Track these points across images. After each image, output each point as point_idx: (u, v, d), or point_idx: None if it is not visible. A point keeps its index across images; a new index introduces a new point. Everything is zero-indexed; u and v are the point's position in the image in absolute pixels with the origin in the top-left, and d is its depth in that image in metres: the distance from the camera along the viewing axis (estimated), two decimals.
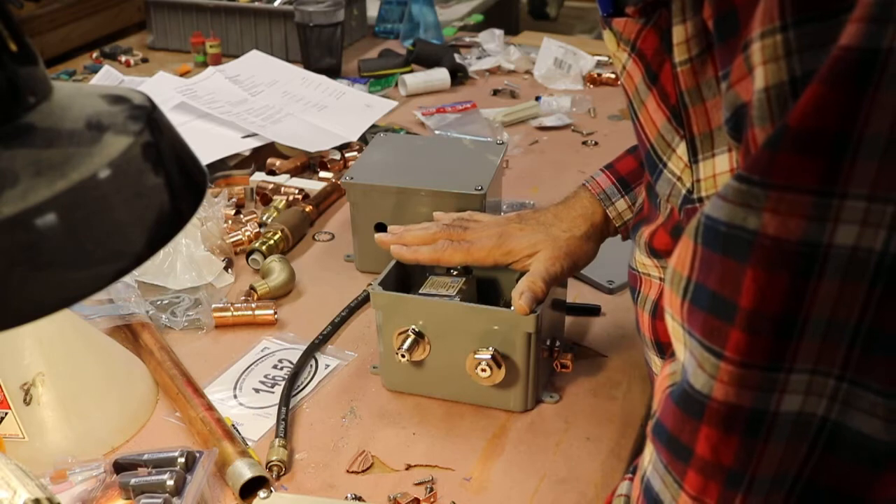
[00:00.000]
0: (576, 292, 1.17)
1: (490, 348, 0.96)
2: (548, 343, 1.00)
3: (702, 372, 0.53)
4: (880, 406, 0.50)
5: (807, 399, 0.51)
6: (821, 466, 0.52)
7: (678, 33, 0.63)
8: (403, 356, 0.98)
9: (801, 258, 0.47)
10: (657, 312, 0.80)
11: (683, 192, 0.70)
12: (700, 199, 0.67)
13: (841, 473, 0.52)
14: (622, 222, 1.03)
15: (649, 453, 0.59)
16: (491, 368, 0.96)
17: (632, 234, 0.86)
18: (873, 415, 0.51)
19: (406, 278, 1.06)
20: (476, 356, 0.96)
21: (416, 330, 0.98)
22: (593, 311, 1.17)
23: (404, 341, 0.98)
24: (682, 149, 0.68)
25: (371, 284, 1.00)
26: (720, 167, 0.65)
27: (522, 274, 1.03)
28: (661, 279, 0.79)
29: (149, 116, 0.40)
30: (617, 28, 0.73)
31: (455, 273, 1.06)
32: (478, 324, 0.96)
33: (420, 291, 1.02)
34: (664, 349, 0.80)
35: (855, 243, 0.46)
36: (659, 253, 0.79)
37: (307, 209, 1.39)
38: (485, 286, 1.08)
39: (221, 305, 1.16)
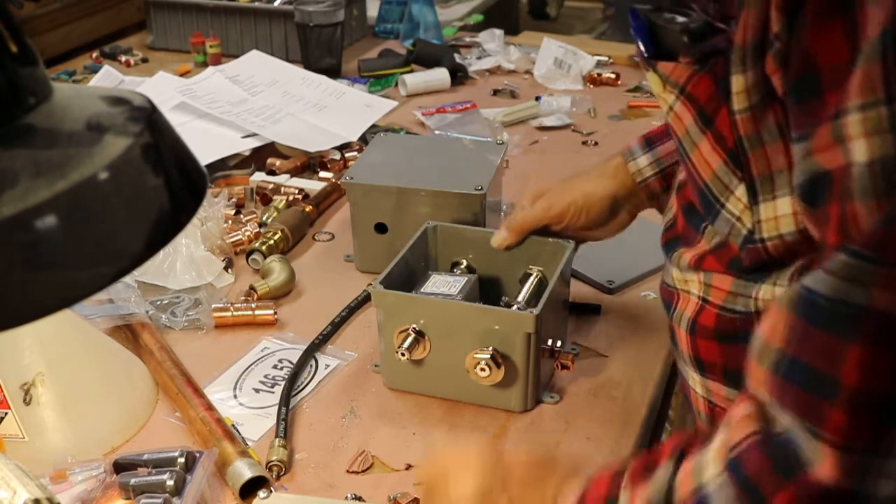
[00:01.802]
0: (576, 292, 1.17)
1: (489, 348, 0.96)
2: (549, 343, 1.00)
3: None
4: None
5: None
6: None
7: (737, 83, 0.63)
8: (403, 355, 0.98)
9: None
10: (696, 330, 0.79)
11: (744, 232, 0.70)
12: (762, 240, 0.68)
13: None
14: (642, 178, 1.03)
15: (716, 474, 0.56)
16: (490, 368, 0.96)
17: (665, 251, 0.85)
18: None
19: (408, 276, 1.06)
20: (475, 355, 0.96)
21: (417, 329, 0.98)
22: (593, 310, 1.17)
23: (405, 340, 0.98)
24: (741, 190, 0.69)
25: (372, 284, 1.00)
26: (782, 209, 0.66)
27: (526, 275, 1.07)
28: (700, 297, 0.79)
29: (149, 118, 0.40)
30: (663, 71, 0.73)
31: (458, 272, 1.06)
32: (478, 323, 0.96)
33: (421, 290, 1.02)
34: (704, 367, 0.80)
35: None
36: (709, 272, 0.78)
37: (307, 209, 1.39)
38: (487, 286, 1.08)
39: (221, 305, 1.16)
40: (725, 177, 0.70)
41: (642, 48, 0.75)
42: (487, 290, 1.08)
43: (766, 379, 0.54)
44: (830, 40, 0.51)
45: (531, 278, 1.06)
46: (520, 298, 1.02)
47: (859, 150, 0.48)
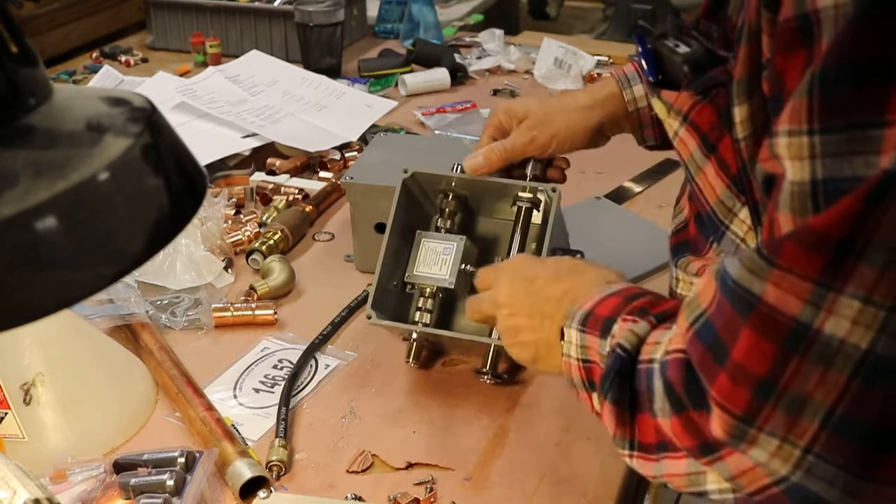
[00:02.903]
0: (556, 260, 1.15)
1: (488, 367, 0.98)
2: None
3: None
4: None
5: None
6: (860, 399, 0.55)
7: (740, 113, 0.65)
8: (415, 364, 1.02)
9: (791, 333, 0.54)
10: None
11: None
12: None
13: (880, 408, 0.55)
14: (635, 107, 1.03)
15: (658, 360, 0.66)
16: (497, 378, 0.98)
17: (672, 253, 0.86)
18: None
19: (403, 244, 1.06)
20: (477, 374, 1.00)
21: (417, 338, 1.00)
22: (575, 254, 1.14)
23: (410, 349, 1.01)
24: (744, 213, 0.71)
25: (370, 317, 1.01)
26: None
27: (517, 216, 1.05)
28: None
29: (148, 118, 0.40)
30: (667, 99, 0.76)
31: (445, 230, 1.06)
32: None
33: (412, 273, 1.02)
34: None
35: (843, 337, 0.53)
36: None
37: (307, 209, 1.39)
38: (483, 243, 1.09)
39: (221, 305, 1.16)
40: (729, 201, 0.73)
41: (648, 76, 0.78)
42: (480, 238, 1.09)
43: (684, 329, 0.62)
44: (794, 68, 0.56)
45: (518, 226, 1.04)
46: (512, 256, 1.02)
47: (788, 169, 0.55)
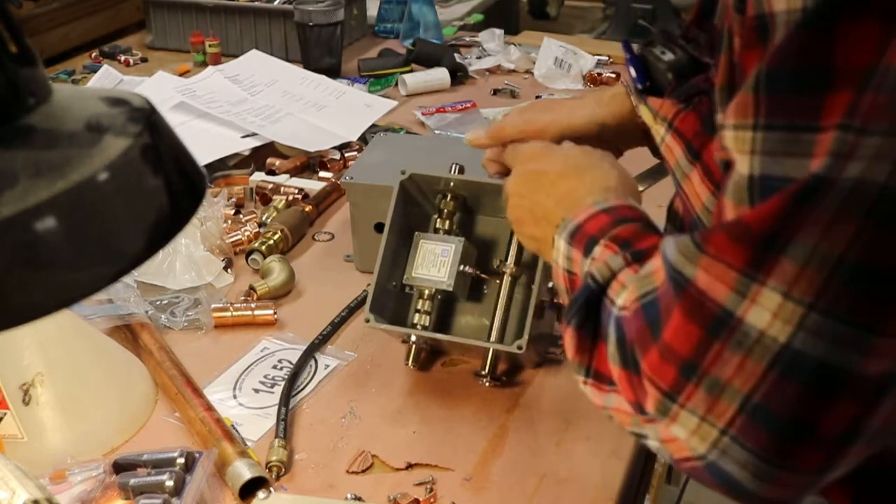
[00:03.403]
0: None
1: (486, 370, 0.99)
2: (545, 300, 1.01)
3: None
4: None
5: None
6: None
7: (721, 120, 0.66)
8: (414, 367, 1.02)
9: (715, 318, 0.56)
10: None
11: None
12: None
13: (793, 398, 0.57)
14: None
15: (620, 306, 0.68)
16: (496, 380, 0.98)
17: None
18: None
19: (401, 248, 1.07)
20: (476, 376, 1.00)
21: (416, 341, 1.01)
22: None
23: (409, 351, 1.01)
24: None
25: (368, 321, 1.01)
26: None
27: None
28: None
29: (148, 119, 0.40)
30: (653, 106, 0.77)
31: (444, 231, 1.05)
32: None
33: (410, 275, 1.02)
34: None
35: (763, 329, 0.55)
36: None
37: (307, 209, 1.39)
38: (483, 243, 1.09)
39: (221, 305, 1.16)
40: (714, 207, 0.72)
41: (636, 82, 0.79)
42: (479, 238, 1.09)
43: (631, 301, 0.65)
44: (752, 62, 0.57)
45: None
46: (509, 262, 1.02)
47: (736, 161, 0.57)
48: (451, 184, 1.06)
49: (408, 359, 1.02)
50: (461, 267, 1.02)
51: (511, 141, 1.01)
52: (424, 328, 1.01)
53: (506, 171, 1.04)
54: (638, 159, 1.13)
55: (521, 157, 0.91)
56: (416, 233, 1.05)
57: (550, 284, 0.97)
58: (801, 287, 0.54)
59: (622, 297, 0.68)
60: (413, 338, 1.01)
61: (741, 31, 0.60)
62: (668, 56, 0.77)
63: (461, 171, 1.05)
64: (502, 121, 1.02)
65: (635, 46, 0.80)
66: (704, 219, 0.75)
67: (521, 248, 1.03)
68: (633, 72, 0.79)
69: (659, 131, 0.78)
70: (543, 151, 0.90)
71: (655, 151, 1.02)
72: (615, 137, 0.99)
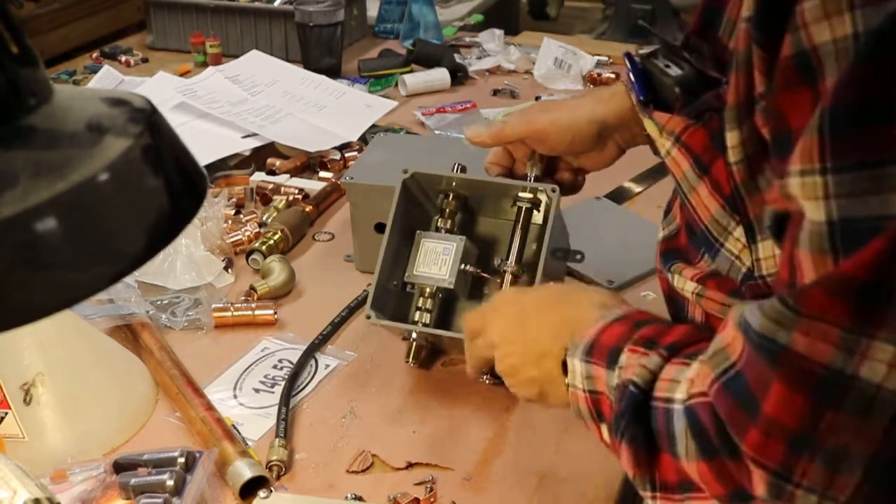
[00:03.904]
0: (546, 286, 1.16)
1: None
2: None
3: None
4: None
5: None
6: None
7: (732, 138, 0.65)
8: (414, 364, 1.02)
9: (824, 382, 0.52)
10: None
11: (744, 269, 0.72)
12: (762, 277, 0.69)
13: None
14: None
15: (681, 400, 0.64)
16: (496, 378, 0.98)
17: (662, 259, 0.85)
18: None
19: (402, 248, 1.07)
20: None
21: (417, 338, 1.01)
22: (576, 254, 1.14)
23: (409, 349, 1.01)
24: (738, 232, 0.71)
25: (370, 317, 1.01)
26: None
27: (517, 215, 1.04)
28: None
29: (149, 119, 0.40)
30: (659, 121, 0.75)
31: (446, 230, 1.06)
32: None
33: (411, 273, 1.02)
34: None
35: (880, 382, 0.51)
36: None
37: (307, 209, 1.39)
38: (483, 243, 1.09)
39: (221, 305, 1.16)
40: (723, 219, 0.72)
41: (639, 95, 0.77)
42: (480, 238, 1.09)
43: (709, 381, 0.61)
44: (799, 105, 0.55)
45: (518, 226, 1.04)
46: (510, 261, 1.02)
47: (805, 208, 0.54)
48: (454, 183, 1.06)
49: (408, 356, 1.02)
50: (462, 266, 1.02)
51: (512, 141, 1.01)
52: (426, 326, 1.02)
53: (508, 172, 1.04)
54: (638, 159, 1.13)
55: (495, 307, 0.87)
56: (418, 231, 1.05)
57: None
58: None
59: (681, 391, 0.65)
60: (413, 335, 1.01)
61: (765, 69, 0.58)
62: (675, 71, 0.75)
63: (463, 171, 1.06)
64: (504, 121, 1.02)
65: (638, 58, 0.79)
66: (713, 230, 0.73)
67: (522, 248, 1.03)
68: (636, 85, 0.78)
69: (664, 144, 0.76)
70: (517, 294, 0.89)
71: (653, 148, 1.03)
72: (616, 135, 0.99)
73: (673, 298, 0.85)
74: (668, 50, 0.77)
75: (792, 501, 0.55)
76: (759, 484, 0.57)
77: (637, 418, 0.67)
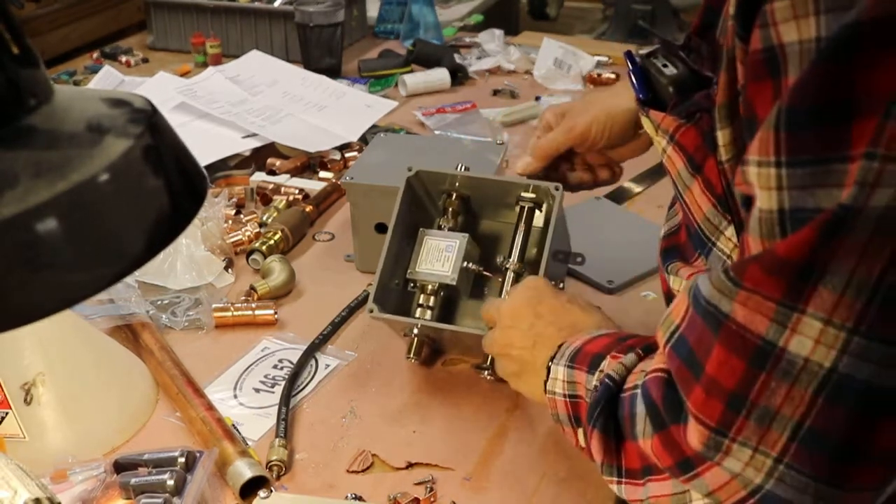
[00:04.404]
0: (575, 292, 1.17)
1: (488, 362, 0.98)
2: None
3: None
4: None
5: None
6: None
7: (722, 136, 0.67)
8: (415, 360, 1.02)
9: (758, 350, 0.57)
10: None
11: None
12: None
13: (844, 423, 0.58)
14: None
15: (641, 385, 0.70)
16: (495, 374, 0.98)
17: (662, 257, 0.87)
18: None
19: (404, 247, 1.07)
20: (476, 369, 1.00)
21: (418, 334, 1.00)
22: (576, 257, 1.15)
23: (410, 344, 1.01)
24: (730, 231, 0.73)
25: (371, 311, 1.01)
26: None
27: (519, 215, 1.05)
28: None
29: (149, 120, 0.40)
30: (655, 119, 0.78)
31: (448, 228, 1.06)
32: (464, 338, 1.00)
33: (414, 270, 1.03)
34: None
35: (807, 356, 0.56)
36: None
37: (307, 209, 1.39)
38: (486, 244, 1.09)
39: (221, 305, 1.16)
40: (715, 219, 0.74)
41: (638, 93, 0.80)
42: (482, 239, 1.09)
43: (662, 345, 0.66)
44: (764, 96, 0.58)
45: (521, 224, 1.04)
46: (513, 259, 1.02)
47: (757, 196, 0.58)
48: (457, 182, 1.06)
49: (409, 352, 1.02)
50: (465, 263, 1.02)
51: (560, 149, 1.05)
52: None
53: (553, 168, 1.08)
54: (638, 159, 1.13)
55: (523, 283, 0.93)
56: (421, 229, 1.05)
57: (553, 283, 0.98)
58: (841, 313, 0.54)
59: (643, 377, 0.69)
60: (415, 330, 1.01)
61: (744, 60, 0.60)
62: (670, 70, 0.78)
63: (467, 169, 1.06)
64: (544, 140, 1.05)
65: (638, 58, 0.80)
66: (705, 228, 0.75)
67: (524, 246, 1.03)
68: (635, 84, 0.80)
69: (660, 143, 0.78)
70: (545, 282, 0.93)
71: None
72: None
73: (671, 298, 0.85)
74: (667, 49, 0.78)
75: (728, 453, 0.60)
76: (698, 440, 0.61)
77: (609, 409, 0.72)
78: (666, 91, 0.77)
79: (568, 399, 0.79)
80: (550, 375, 0.80)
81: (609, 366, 0.74)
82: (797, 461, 0.58)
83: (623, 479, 0.72)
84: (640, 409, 0.68)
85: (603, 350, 0.77)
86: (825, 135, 0.54)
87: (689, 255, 0.81)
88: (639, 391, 0.69)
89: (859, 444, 0.57)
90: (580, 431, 0.77)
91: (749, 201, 0.61)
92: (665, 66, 0.78)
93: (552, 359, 0.81)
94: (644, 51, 0.81)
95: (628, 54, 0.82)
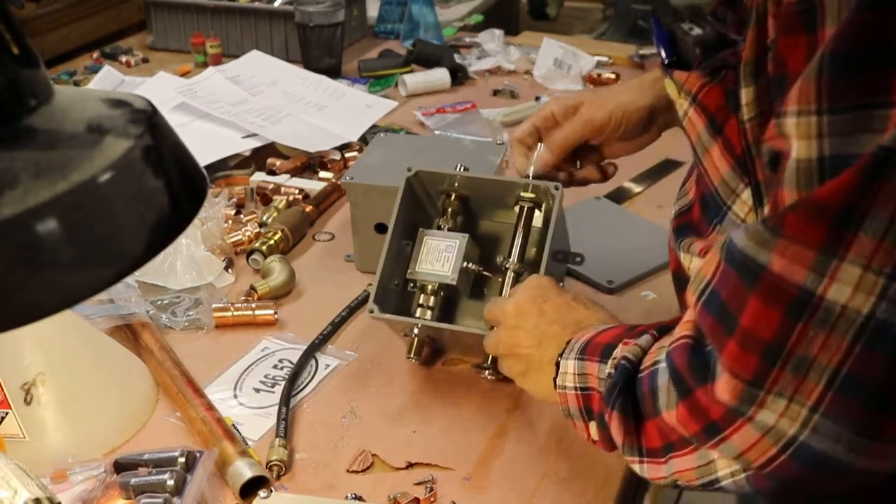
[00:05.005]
0: (575, 292, 1.17)
1: (489, 362, 0.98)
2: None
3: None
4: None
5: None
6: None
7: (746, 94, 0.68)
8: (415, 360, 1.02)
9: (796, 300, 0.57)
10: None
11: None
12: None
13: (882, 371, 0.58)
14: None
15: (664, 359, 0.69)
16: (497, 372, 0.98)
17: (675, 235, 0.87)
18: None
19: (404, 248, 1.07)
20: (476, 368, 0.99)
21: (418, 334, 1.00)
22: (575, 257, 1.15)
23: (411, 345, 1.01)
24: (746, 194, 0.73)
25: (372, 311, 1.01)
26: None
27: (518, 214, 1.05)
28: None
29: (149, 120, 0.40)
30: (678, 79, 0.79)
31: (448, 228, 1.06)
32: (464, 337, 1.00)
33: (414, 270, 1.03)
34: None
35: (845, 303, 0.56)
36: None
37: (307, 209, 1.39)
38: (485, 244, 1.09)
39: (221, 305, 1.16)
40: (732, 181, 0.74)
41: (662, 55, 0.81)
42: (482, 239, 1.09)
43: (693, 303, 0.66)
44: (797, 50, 0.59)
45: (521, 224, 1.04)
46: (512, 258, 1.02)
47: (793, 148, 0.57)
48: (456, 182, 1.06)
49: (409, 352, 1.02)
50: (465, 264, 1.02)
51: (577, 143, 1.06)
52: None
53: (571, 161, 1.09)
54: (638, 159, 1.13)
55: (525, 283, 0.93)
56: (421, 229, 1.05)
57: None
58: (881, 259, 0.55)
59: (664, 353, 0.69)
60: (416, 329, 1.01)
61: (777, 13, 0.61)
62: (696, 31, 0.79)
63: (466, 169, 1.06)
64: (559, 133, 1.06)
65: (663, 21, 0.82)
66: (722, 192, 0.76)
67: (524, 246, 1.03)
68: (660, 45, 0.81)
69: (682, 105, 0.79)
70: (549, 280, 0.93)
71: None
72: (660, 119, 1.05)
73: (680, 277, 0.87)
74: (693, 14, 0.79)
75: (763, 406, 0.60)
76: (732, 393, 0.61)
77: (627, 390, 0.72)
78: (692, 51, 0.78)
79: (579, 392, 0.79)
80: (560, 370, 0.80)
81: (623, 350, 0.74)
82: (832, 410, 0.58)
83: (644, 459, 0.72)
84: (663, 380, 0.68)
85: (613, 340, 0.77)
86: (867, 81, 0.54)
87: (703, 230, 0.82)
88: (660, 366, 0.69)
89: (895, 394, 0.57)
90: (592, 424, 0.78)
91: (777, 159, 0.61)
92: (690, 28, 0.79)
93: (561, 354, 0.81)
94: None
95: (654, 19, 0.84)
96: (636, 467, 0.73)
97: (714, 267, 0.63)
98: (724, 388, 0.61)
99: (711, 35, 0.77)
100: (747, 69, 0.66)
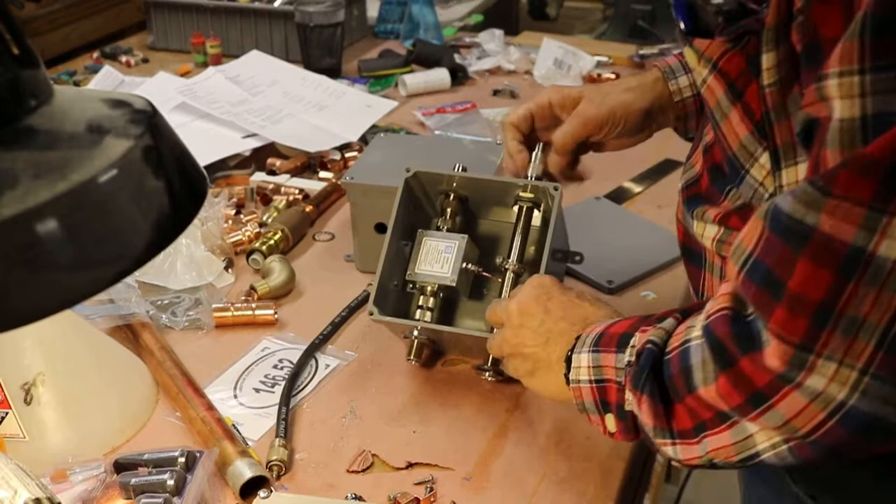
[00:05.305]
0: (579, 289, 1.17)
1: (489, 363, 0.98)
2: None
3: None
4: None
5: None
6: None
7: (768, 59, 0.68)
8: (415, 362, 1.02)
9: (847, 258, 0.56)
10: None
11: (766, 196, 0.75)
12: None
13: None
14: (680, 98, 1.06)
15: (697, 335, 0.68)
16: (498, 374, 0.97)
17: (686, 206, 0.88)
18: None
19: (403, 248, 1.07)
20: (477, 370, 1.00)
21: (419, 336, 1.01)
22: (575, 256, 1.15)
23: (411, 347, 1.01)
24: (764, 158, 0.74)
25: (372, 314, 1.01)
26: (803, 173, 0.70)
27: (518, 214, 1.05)
28: (712, 251, 0.83)
29: (150, 121, 0.40)
30: (699, 47, 0.79)
31: (447, 228, 1.06)
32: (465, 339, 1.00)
33: (413, 271, 1.03)
34: None
35: None
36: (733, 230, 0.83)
37: (307, 209, 1.39)
38: (484, 245, 1.09)
39: (221, 305, 1.17)
40: (751, 146, 0.75)
41: (681, 25, 0.80)
42: (481, 240, 1.09)
43: (735, 274, 0.65)
44: (830, 17, 0.59)
45: (520, 224, 1.05)
46: (512, 259, 1.02)
47: (836, 108, 0.57)
48: (455, 183, 1.06)
49: (409, 354, 1.02)
50: (464, 264, 1.02)
51: (581, 138, 1.06)
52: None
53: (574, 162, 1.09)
54: (638, 159, 1.13)
55: (528, 282, 0.92)
56: (420, 230, 1.05)
57: None
58: None
59: (697, 328, 0.68)
60: (416, 332, 1.01)
61: None
62: (716, 0, 0.79)
63: (465, 170, 1.06)
64: (560, 134, 1.06)
65: None
66: (740, 156, 0.76)
67: (523, 246, 1.03)
68: (679, 16, 0.81)
69: (701, 73, 0.79)
70: (551, 280, 0.92)
71: (681, 132, 1.09)
72: (655, 118, 1.07)
73: (689, 248, 0.87)
74: None
75: (813, 370, 0.59)
76: (781, 359, 0.60)
77: (655, 373, 0.71)
78: (713, 20, 0.78)
79: (594, 384, 0.78)
80: (573, 365, 0.80)
81: (644, 337, 0.73)
82: (883, 370, 0.58)
83: (676, 441, 0.71)
84: (696, 358, 0.67)
85: (629, 329, 0.76)
86: None
87: (715, 199, 0.82)
88: (691, 344, 0.68)
89: None
90: (608, 417, 0.78)
91: (810, 128, 0.61)
92: None
93: (571, 350, 0.81)
94: None
95: None
96: (668, 450, 0.73)
97: (757, 235, 0.62)
98: (773, 353, 0.61)
99: (733, 4, 0.77)
100: (770, 34, 0.67)
